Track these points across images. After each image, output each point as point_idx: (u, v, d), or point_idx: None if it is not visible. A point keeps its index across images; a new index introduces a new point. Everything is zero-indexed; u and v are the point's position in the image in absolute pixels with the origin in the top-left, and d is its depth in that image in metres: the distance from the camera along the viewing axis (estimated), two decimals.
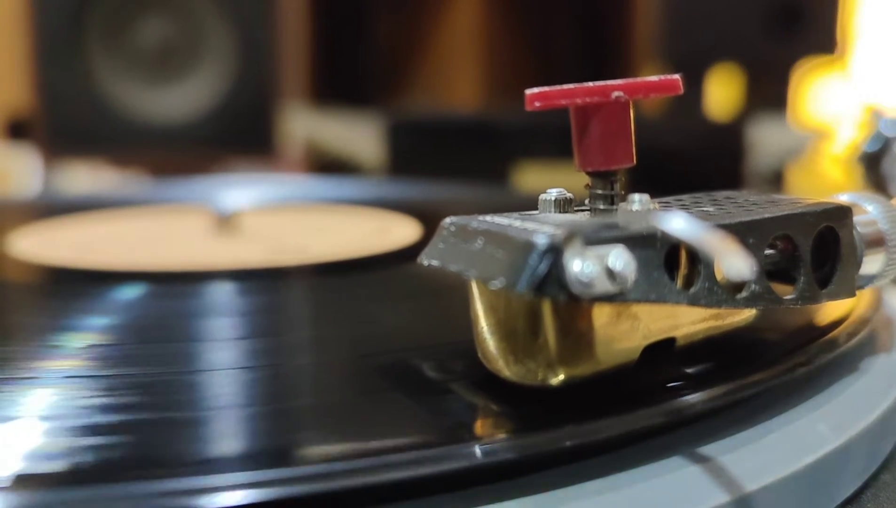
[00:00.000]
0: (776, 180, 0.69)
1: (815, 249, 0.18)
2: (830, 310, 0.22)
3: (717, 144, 0.67)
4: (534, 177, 0.63)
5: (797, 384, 0.19)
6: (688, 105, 0.88)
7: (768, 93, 0.93)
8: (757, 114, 0.78)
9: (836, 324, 0.21)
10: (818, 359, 0.19)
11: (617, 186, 0.17)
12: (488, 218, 0.16)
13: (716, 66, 0.95)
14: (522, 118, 0.63)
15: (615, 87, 0.16)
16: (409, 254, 0.30)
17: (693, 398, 0.17)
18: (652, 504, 0.15)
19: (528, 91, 0.16)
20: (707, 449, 0.17)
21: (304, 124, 0.87)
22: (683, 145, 0.66)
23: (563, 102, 0.16)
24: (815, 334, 0.21)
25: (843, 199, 0.19)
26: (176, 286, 0.28)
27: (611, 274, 0.14)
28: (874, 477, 0.19)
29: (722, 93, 0.99)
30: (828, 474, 0.17)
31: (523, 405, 0.16)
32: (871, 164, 0.32)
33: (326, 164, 0.81)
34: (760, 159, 0.66)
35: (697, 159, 0.65)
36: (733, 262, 0.13)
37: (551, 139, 0.61)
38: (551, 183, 0.19)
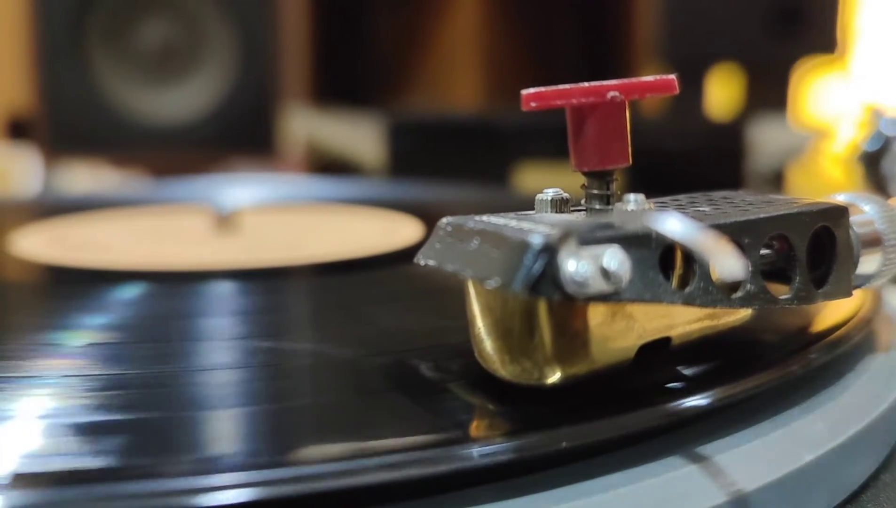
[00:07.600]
0: (776, 180, 0.69)
1: (811, 249, 0.18)
2: (830, 310, 0.22)
3: (717, 144, 0.67)
4: (534, 177, 0.63)
5: (797, 383, 0.19)
6: (688, 105, 0.88)
7: (768, 93, 0.93)
8: (757, 114, 0.78)
9: (835, 324, 0.21)
10: (818, 359, 0.19)
11: (613, 186, 0.17)
12: (484, 218, 0.16)
13: (716, 66, 0.95)
14: (522, 118, 0.63)
15: (611, 87, 0.16)
16: (409, 254, 0.30)
17: (692, 400, 0.17)
18: (651, 503, 0.15)
19: (524, 91, 0.16)
20: (706, 449, 0.17)
21: (304, 125, 0.87)
22: (683, 145, 0.65)
23: (559, 102, 0.16)
24: (815, 333, 0.21)
25: (840, 199, 0.19)
26: (176, 286, 0.28)
27: (605, 274, 0.14)
28: (874, 477, 0.19)
29: (722, 93, 0.99)
30: (827, 474, 0.17)
31: (520, 404, 0.16)
32: (871, 163, 0.32)
33: (327, 164, 0.81)
34: (760, 159, 0.66)
35: (697, 159, 0.65)
36: (726, 262, 0.13)
37: (551, 139, 0.61)
38: (552, 183, 0.19)
